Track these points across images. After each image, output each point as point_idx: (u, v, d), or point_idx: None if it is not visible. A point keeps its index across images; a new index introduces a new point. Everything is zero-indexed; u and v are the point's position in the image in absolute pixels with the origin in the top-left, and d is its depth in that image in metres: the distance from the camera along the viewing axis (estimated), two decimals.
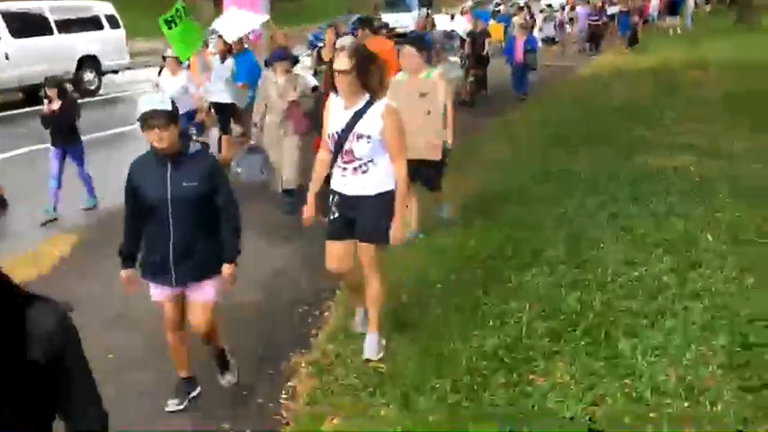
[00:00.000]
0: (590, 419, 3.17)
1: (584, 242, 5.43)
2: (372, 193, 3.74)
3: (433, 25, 14.46)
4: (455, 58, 11.97)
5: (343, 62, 3.60)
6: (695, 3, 28.67)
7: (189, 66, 8.88)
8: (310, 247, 5.67)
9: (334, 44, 7.37)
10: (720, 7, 35.51)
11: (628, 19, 21.86)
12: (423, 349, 3.97)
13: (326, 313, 4.72)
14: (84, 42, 15.16)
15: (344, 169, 3.78)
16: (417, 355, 3.91)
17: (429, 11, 22.15)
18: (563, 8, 25.58)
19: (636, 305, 4.28)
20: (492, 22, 18.50)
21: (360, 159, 3.71)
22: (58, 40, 14.59)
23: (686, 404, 3.22)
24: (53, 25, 14.50)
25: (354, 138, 3.68)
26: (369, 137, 3.66)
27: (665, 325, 4.00)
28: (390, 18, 23.23)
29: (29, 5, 14.57)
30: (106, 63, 15.71)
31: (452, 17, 20.37)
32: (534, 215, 6.20)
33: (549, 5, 29.77)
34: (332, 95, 3.89)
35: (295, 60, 6.92)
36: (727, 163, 7.59)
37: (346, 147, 3.71)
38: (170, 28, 8.01)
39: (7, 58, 13.39)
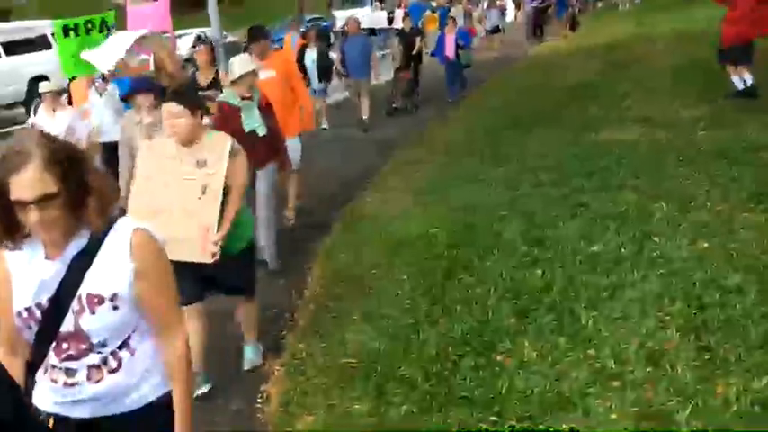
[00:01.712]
0: (556, 394, 3.25)
1: (542, 221, 5.54)
2: (134, 406, 1.98)
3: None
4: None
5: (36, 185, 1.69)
6: None
7: (69, 96, 7.52)
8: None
9: (213, 63, 6.71)
10: None
11: (565, 2, 21.83)
12: (392, 340, 4.02)
13: (296, 314, 4.75)
14: (33, 63, 14.95)
15: (66, 372, 1.92)
16: (386, 346, 3.96)
17: (382, 5, 22.11)
18: None
19: (596, 279, 4.40)
20: (428, 13, 17.85)
21: (98, 347, 1.91)
22: (5, 62, 14.39)
23: (648, 370, 3.32)
24: None
25: (80, 306, 1.86)
26: (112, 298, 1.88)
27: (624, 295, 4.12)
28: (344, 14, 23.06)
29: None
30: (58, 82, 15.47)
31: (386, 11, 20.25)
32: (491, 198, 6.31)
33: None
34: None
35: (162, 90, 5.15)
36: (677, 133, 7.78)
37: (64, 329, 1.87)
38: (66, 35, 6.75)
39: None
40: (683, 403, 3.05)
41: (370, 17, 19.14)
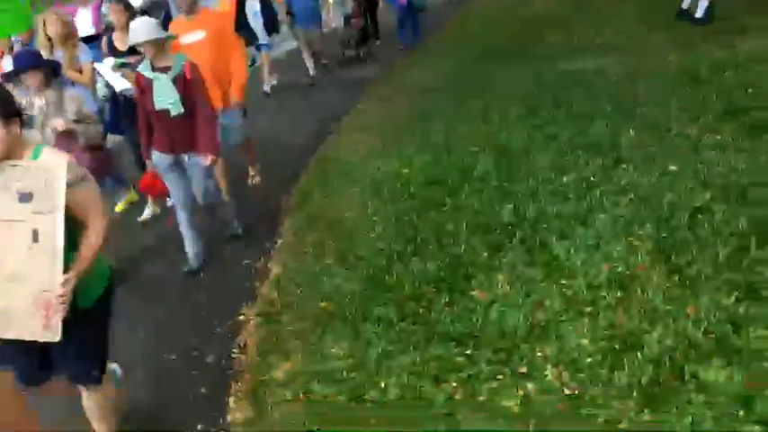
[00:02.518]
0: (530, 324, 3.27)
1: (513, 154, 5.51)
2: None
3: None
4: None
5: None
6: None
7: None
8: (243, 200, 5.64)
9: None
10: None
11: None
12: (366, 281, 4.01)
13: (269, 264, 4.71)
14: None
15: None
16: (361, 288, 3.95)
17: None
18: None
19: (567, 209, 4.39)
20: None
21: None
22: None
23: (619, 294, 3.35)
24: None
25: None
26: None
27: (595, 223, 4.12)
28: None
29: None
30: None
31: None
32: (462, 133, 6.25)
33: None
34: None
35: (55, 67, 4.41)
36: (644, 58, 7.72)
37: None
38: None
39: None
40: (654, 324, 3.08)
41: None
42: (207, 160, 4.37)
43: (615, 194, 4.44)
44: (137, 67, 4.51)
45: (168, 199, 5.50)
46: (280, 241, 4.98)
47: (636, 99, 6.30)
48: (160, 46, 4.27)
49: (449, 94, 7.82)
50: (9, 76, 4.34)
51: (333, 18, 10.79)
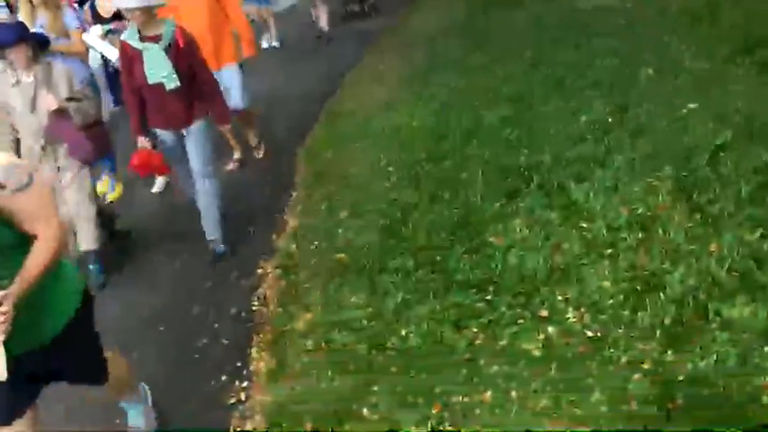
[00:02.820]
0: (550, 268, 3.25)
1: (527, 99, 5.41)
2: None
3: None
4: None
5: None
6: None
7: None
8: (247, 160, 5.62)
9: None
10: None
11: None
12: (382, 232, 3.99)
13: (285, 217, 4.69)
14: None
15: None
16: (377, 239, 3.93)
17: None
18: None
19: (584, 151, 4.32)
20: None
21: None
22: None
23: (640, 235, 3.31)
24: None
25: None
26: None
27: (613, 164, 4.05)
28: None
29: None
30: None
31: None
32: (474, 82, 6.14)
33: None
34: None
35: (43, 40, 4.18)
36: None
37: None
38: None
39: None
40: (676, 264, 3.05)
41: None
42: (223, 120, 4.23)
43: (632, 135, 4.36)
44: (122, 32, 4.19)
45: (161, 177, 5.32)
46: (294, 194, 4.95)
47: (649, 36, 6.14)
48: (150, 12, 3.81)
49: (457, 42, 7.65)
50: None
51: None
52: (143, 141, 4.08)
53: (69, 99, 3.92)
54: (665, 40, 5.93)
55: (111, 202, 5.26)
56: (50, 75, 3.95)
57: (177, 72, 3.83)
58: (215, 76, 4.25)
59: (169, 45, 3.81)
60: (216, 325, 3.66)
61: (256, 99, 5.83)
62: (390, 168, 4.80)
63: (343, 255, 3.88)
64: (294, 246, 4.18)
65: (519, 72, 6.10)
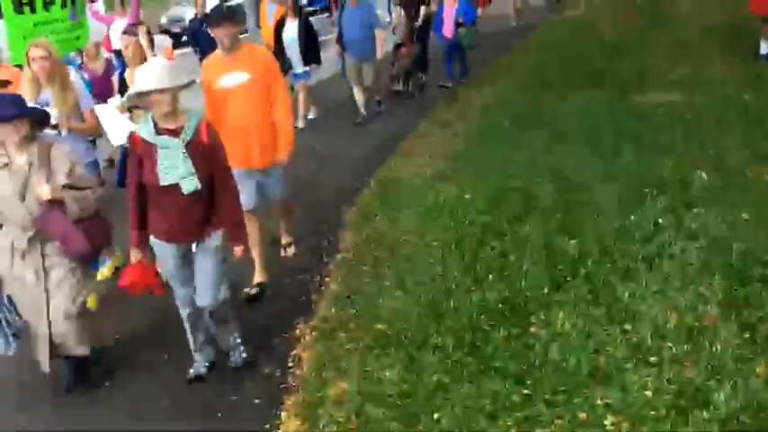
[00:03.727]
0: (592, 368, 3.21)
1: (579, 187, 5.43)
2: None
3: None
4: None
5: None
6: None
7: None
8: (296, 218, 5.71)
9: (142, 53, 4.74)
10: None
11: None
12: (424, 307, 4.00)
13: (327, 278, 4.74)
14: None
15: None
16: (419, 313, 3.94)
17: None
18: None
19: (633, 249, 4.31)
20: None
21: None
22: None
23: (686, 346, 3.26)
24: None
25: None
26: None
27: (663, 267, 4.03)
28: None
29: None
30: None
31: None
32: (527, 163, 6.19)
33: None
34: None
35: (42, 116, 3.58)
36: (715, 96, 7.53)
37: None
38: (19, 10, 5.07)
39: None
40: (722, 382, 2.98)
41: None
42: (238, 250, 3.57)
43: (684, 239, 4.33)
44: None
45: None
46: (339, 257, 5.01)
47: (705, 138, 6.15)
48: (176, 98, 3.25)
49: (512, 121, 7.75)
50: None
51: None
52: (137, 254, 3.46)
53: (68, 187, 3.41)
54: (725, 142, 5.94)
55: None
56: (48, 157, 3.40)
57: (198, 174, 3.26)
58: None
59: (191, 140, 3.27)
60: (248, 381, 3.68)
61: (307, 164, 5.88)
62: (437, 242, 4.84)
63: (383, 325, 3.89)
64: (334, 310, 4.20)
65: (574, 157, 6.14)
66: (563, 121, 7.44)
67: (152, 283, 3.49)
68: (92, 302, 4.12)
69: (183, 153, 3.23)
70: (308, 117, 9.08)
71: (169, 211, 3.34)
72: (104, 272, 4.91)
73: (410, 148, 7.52)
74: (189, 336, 3.72)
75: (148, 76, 3.17)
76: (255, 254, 4.63)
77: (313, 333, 4.01)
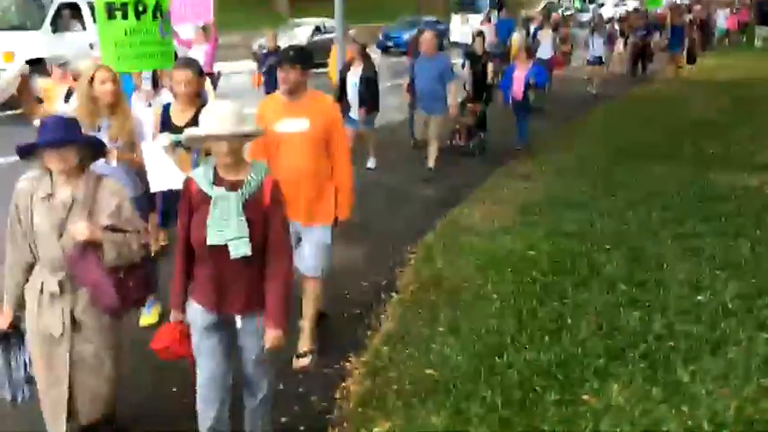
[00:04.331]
0: None
1: (647, 260, 5.34)
2: None
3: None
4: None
5: None
6: None
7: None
8: (358, 254, 5.77)
9: (198, 94, 4.29)
10: None
11: (682, 32, 17.64)
12: (476, 358, 3.98)
13: (382, 316, 4.78)
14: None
15: None
16: (470, 363, 3.93)
17: (498, 11, 20.18)
18: (611, 19, 22.33)
19: (698, 330, 4.20)
20: (516, 36, 14.29)
21: None
22: None
23: None
24: None
25: None
26: None
27: (727, 354, 3.91)
28: (458, 20, 20.82)
29: None
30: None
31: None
32: (597, 228, 6.13)
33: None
34: None
35: (97, 145, 3.16)
36: None
37: None
38: (111, 16, 5.09)
39: None
40: None
41: (461, 30, 15.21)
42: (271, 338, 2.86)
43: (753, 328, 4.20)
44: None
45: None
46: (395, 296, 5.05)
47: None
48: (240, 147, 2.85)
49: (583, 182, 7.70)
50: (25, 152, 2.93)
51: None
52: (177, 315, 3.00)
53: (111, 228, 2.97)
54: None
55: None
56: (95, 193, 2.98)
57: (252, 236, 2.78)
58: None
59: (251, 197, 2.80)
60: (296, 407, 3.72)
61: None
62: (496, 294, 4.83)
63: (432, 370, 3.89)
64: (386, 349, 4.23)
65: (647, 228, 6.05)
66: (639, 190, 7.36)
67: (186, 353, 3.01)
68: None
69: (239, 211, 2.75)
70: (368, 167, 8.63)
71: (213, 274, 2.84)
72: (148, 318, 4.46)
73: (482, 197, 7.55)
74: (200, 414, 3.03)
75: (211, 118, 2.74)
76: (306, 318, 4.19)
77: (363, 369, 4.05)
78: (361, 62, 8.14)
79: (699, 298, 4.64)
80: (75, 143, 2.91)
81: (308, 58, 3.91)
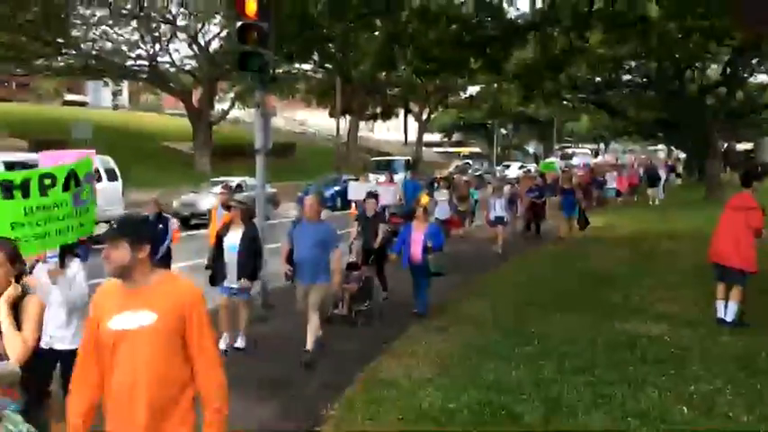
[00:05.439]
0: None
1: (562, 409, 5.48)
2: None
3: None
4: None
5: None
6: (666, 177, 30.81)
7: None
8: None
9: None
10: (690, 182, 37.97)
11: (573, 195, 17.49)
12: None
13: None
14: None
15: None
16: None
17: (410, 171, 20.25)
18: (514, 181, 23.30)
19: None
20: (423, 195, 14.79)
21: None
22: None
23: None
24: None
25: None
26: None
27: None
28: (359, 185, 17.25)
29: (25, 157, 15.02)
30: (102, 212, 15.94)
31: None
32: (513, 378, 6.28)
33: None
34: None
35: None
36: (700, 333, 7.78)
37: None
38: (8, 194, 4.43)
39: None
40: None
41: (357, 189, 14.39)
42: None
43: None
44: None
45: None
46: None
47: (689, 374, 6.29)
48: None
49: (501, 334, 7.93)
50: None
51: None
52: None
53: None
54: (707, 381, 6.05)
55: None
56: None
57: None
58: None
59: None
60: None
61: None
62: None
63: None
64: None
65: (560, 378, 6.23)
66: (550, 340, 7.61)
67: None
68: None
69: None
70: (235, 346, 7.46)
71: None
72: None
73: (401, 349, 7.59)
74: None
75: None
76: None
77: None
78: (242, 224, 7.36)
79: None
80: None
81: (140, 230, 3.02)
